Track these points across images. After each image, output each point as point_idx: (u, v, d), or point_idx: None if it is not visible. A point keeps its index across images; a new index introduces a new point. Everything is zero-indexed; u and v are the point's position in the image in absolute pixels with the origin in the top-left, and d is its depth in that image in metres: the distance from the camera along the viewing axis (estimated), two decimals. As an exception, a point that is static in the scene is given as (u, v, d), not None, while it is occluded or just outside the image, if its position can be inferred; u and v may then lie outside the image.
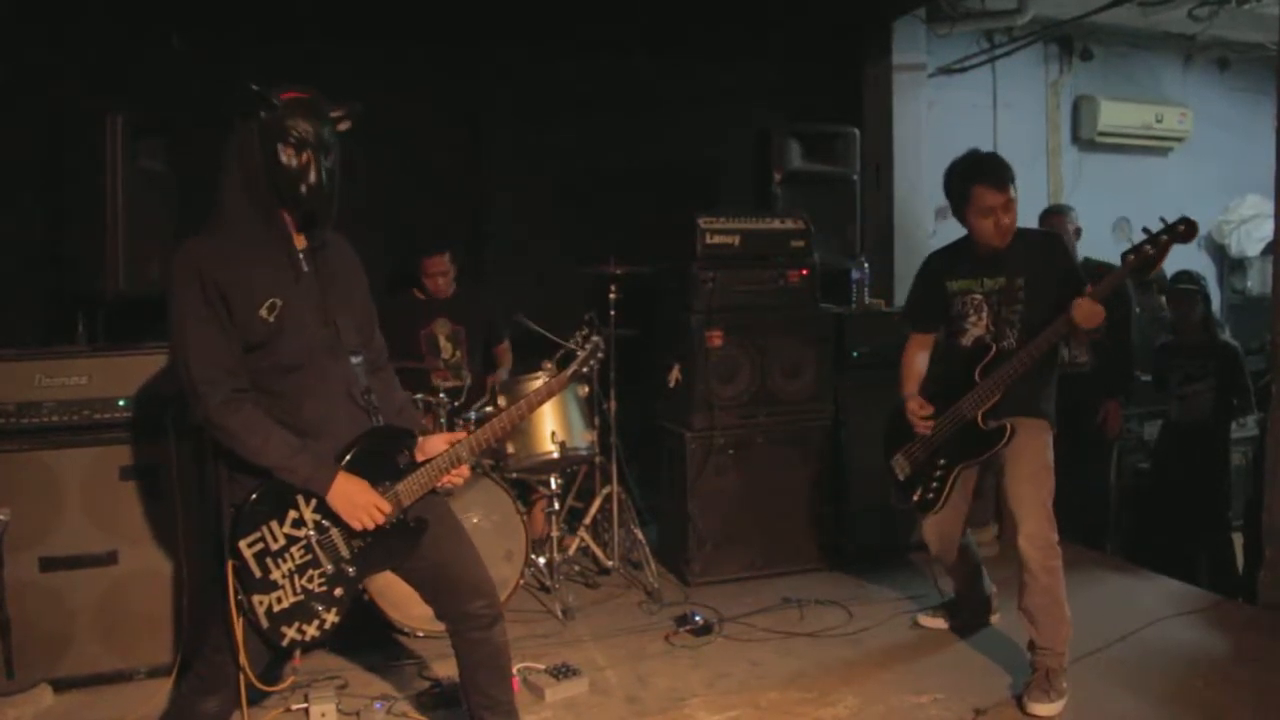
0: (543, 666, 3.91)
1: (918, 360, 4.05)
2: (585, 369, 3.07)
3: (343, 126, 2.75)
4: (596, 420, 4.96)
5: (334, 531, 2.71)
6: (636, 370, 5.27)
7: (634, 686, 3.90)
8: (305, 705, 3.63)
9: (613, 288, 5.05)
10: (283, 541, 2.65)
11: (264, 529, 2.63)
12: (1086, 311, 3.44)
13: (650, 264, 5.19)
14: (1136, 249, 3.43)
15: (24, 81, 4.85)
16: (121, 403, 3.86)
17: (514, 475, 4.77)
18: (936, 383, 3.96)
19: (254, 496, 2.62)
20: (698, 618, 4.45)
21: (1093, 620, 4.18)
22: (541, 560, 4.89)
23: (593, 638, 4.39)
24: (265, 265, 2.65)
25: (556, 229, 6.05)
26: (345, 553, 2.73)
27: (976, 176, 3.71)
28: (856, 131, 6.06)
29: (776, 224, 5.16)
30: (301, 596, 2.67)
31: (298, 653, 2.74)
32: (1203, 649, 4.14)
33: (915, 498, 3.98)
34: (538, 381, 4.59)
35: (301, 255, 2.72)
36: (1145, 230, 3.43)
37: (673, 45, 6.19)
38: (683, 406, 5.08)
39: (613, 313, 5.04)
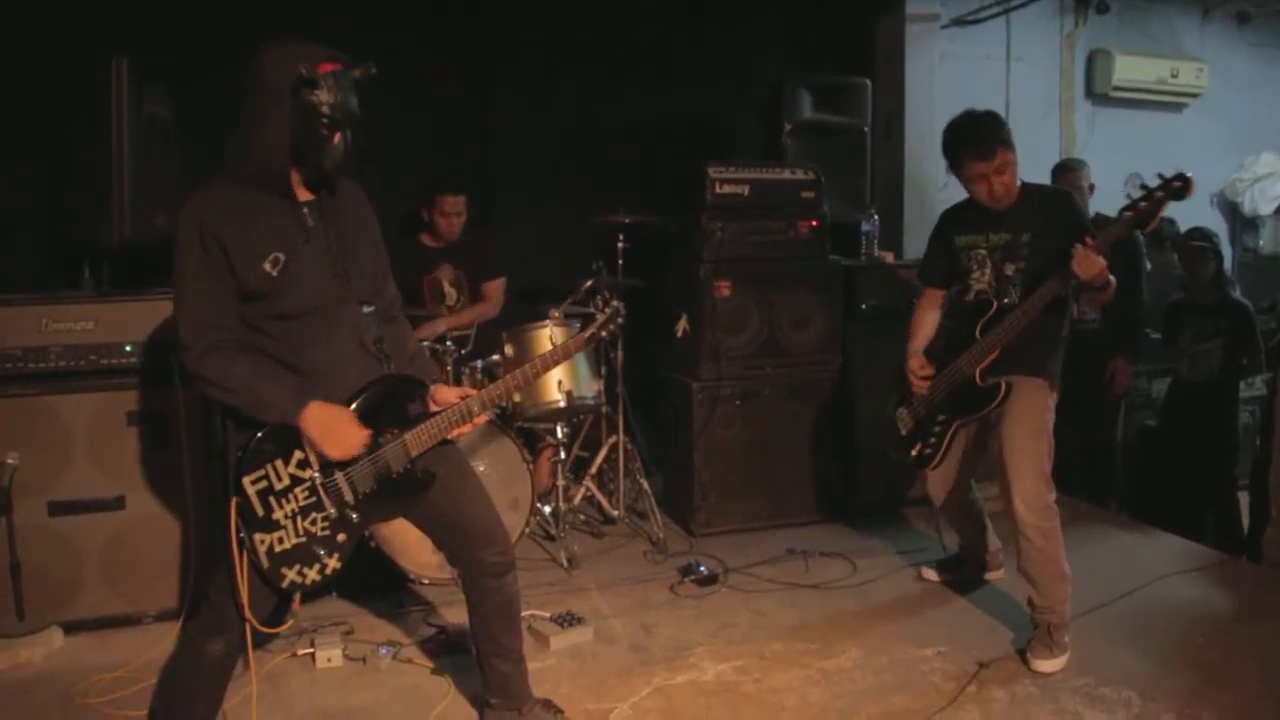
0: (548, 615, 3.93)
1: (928, 317, 4.06)
2: (604, 333, 3.03)
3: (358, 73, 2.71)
4: (603, 370, 4.95)
5: (339, 475, 2.70)
6: (644, 320, 5.25)
7: (639, 635, 3.92)
8: (311, 650, 3.67)
9: (621, 237, 5.02)
10: (287, 481, 2.64)
11: (268, 467, 2.62)
12: (1082, 258, 3.31)
13: (659, 214, 5.15)
14: (1133, 205, 3.33)
15: (29, 28, 4.80)
16: (128, 348, 3.86)
17: (520, 424, 4.77)
18: (944, 337, 3.95)
19: (260, 435, 2.60)
20: (703, 568, 4.47)
21: (1097, 576, 4.20)
22: (547, 509, 4.90)
23: (598, 587, 4.41)
24: (271, 219, 2.62)
25: (564, 178, 6.00)
26: (349, 498, 2.72)
27: (962, 146, 3.65)
28: (868, 83, 5.99)
29: (787, 174, 5.12)
30: (303, 539, 2.66)
31: (297, 596, 2.74)
32: (1206, 606, 4.14)
33: (914, 452, 3.99)
34: (544, 329, 4.58)
35: (307, 209, 2.69)
36: (1143, 186, 3.36)
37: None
38: (690, 357, 5.07)
39: (620, 262, 5.02)
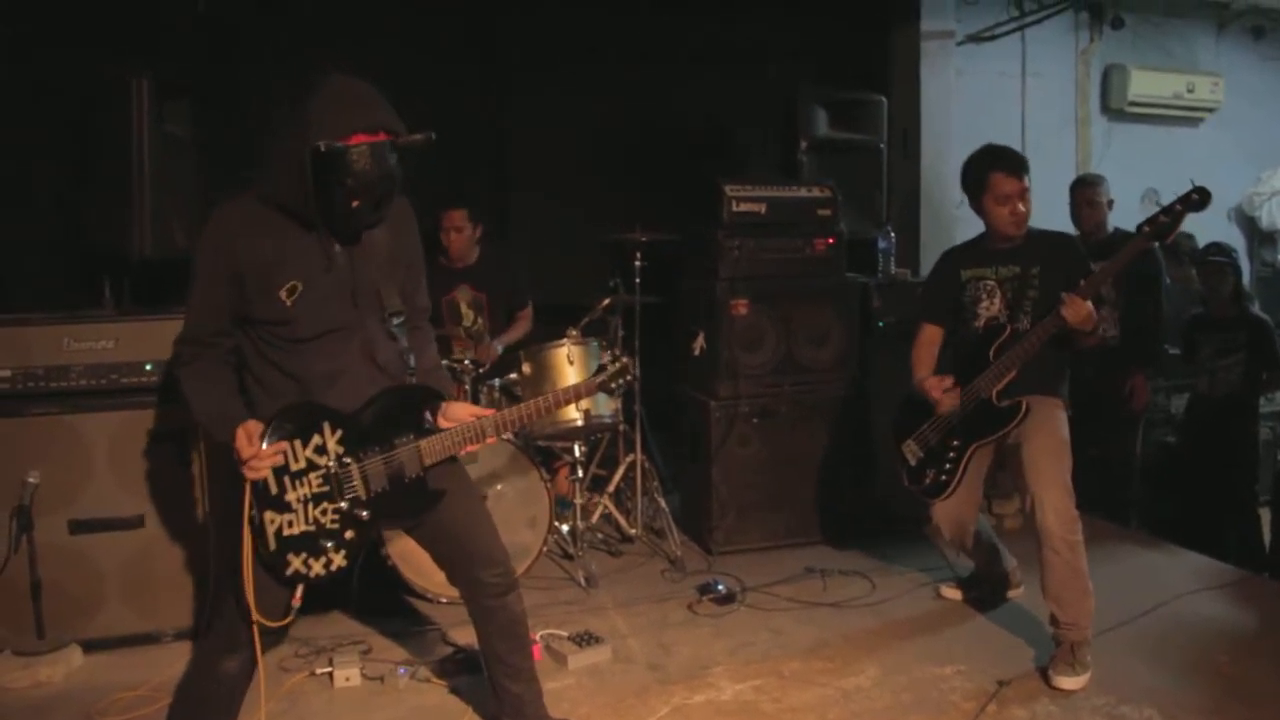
0: (566, 634, 3.93)
1: (928, 350, 4.12)
2: (614, 385, 3.06)
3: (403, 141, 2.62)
4: (621, 388, 4.95)
5: (354, 468, 2.68)
6: (661, 338, 5.26)
7: (657, 655, 3.91)
8: (329, 669, 3.67)
9: (637, 254, 5.02)
10: (303, 464, 2.61)
11: (286, 445, 2.59)
12: (1070, 305, 3.51)
13: (676, 231, 5.16)
14: (1151, 220, 3.48)
15: (50, 45, 4.84)
16: (148, 367, 3.87)
17: (538, 442, 4.77)
18: (949, 368, 4.00)
19: (280, 412, 2.59)
20: (720, 587, 4.46)
21: (1117, 594, 4.18)
22: (565, 528, 4.90)
23: (615, 606, 4.40)
24: (293, 244, 2.61)
25: (578, 192, 6.00)
26: (362, 493, 2.69)
27: (993, 164, 3.82)
28: (884, 99, 6.00)
29: (803, 192, 5.12)
30: (313, 528, 2.63)
31: (298, 590, 2.70)
32: (1228, 624, 4.12)
33: (928, 480, 4.00)
34: (561, 349, 4.59)
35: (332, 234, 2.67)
36: (1158, 204, 3.46)
37: (699, 6, 6.13)
38: (707, 375, 5.06)
39: (637, 280, 5.02)
